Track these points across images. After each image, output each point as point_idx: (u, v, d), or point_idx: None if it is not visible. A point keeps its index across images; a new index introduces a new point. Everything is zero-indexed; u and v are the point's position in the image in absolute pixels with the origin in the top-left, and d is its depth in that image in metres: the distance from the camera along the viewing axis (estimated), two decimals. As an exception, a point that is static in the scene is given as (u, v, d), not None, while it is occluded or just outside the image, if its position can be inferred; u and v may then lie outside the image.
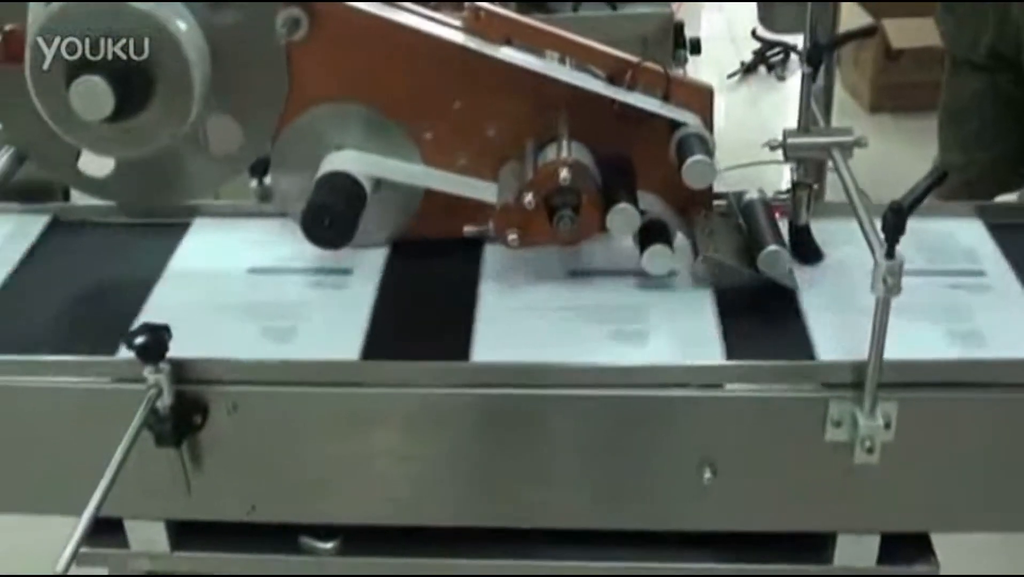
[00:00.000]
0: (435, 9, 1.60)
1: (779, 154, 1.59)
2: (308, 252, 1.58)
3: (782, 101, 5.22)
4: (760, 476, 1.45)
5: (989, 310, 1.52)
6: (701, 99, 1.56)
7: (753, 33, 5.39)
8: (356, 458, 1.47)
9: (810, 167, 1.61)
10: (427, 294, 1.60)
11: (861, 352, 1.35)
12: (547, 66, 1.53)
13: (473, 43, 1.52)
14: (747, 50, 5.47)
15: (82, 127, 1.44)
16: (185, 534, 1.58)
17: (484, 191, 1.57)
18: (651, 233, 1.53)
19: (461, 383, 1.43)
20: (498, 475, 1.48)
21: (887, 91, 5.02)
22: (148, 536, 1.58)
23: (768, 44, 5.40)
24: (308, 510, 1.52)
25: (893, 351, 1.34)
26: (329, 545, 1.56)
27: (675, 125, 1.52)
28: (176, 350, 1.38)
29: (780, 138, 1.59)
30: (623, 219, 1.48)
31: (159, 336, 1.37)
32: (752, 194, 1.64)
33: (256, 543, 1.57)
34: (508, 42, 1.54)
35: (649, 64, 1.54)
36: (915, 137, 4.74)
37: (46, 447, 1.50)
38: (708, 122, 1.55)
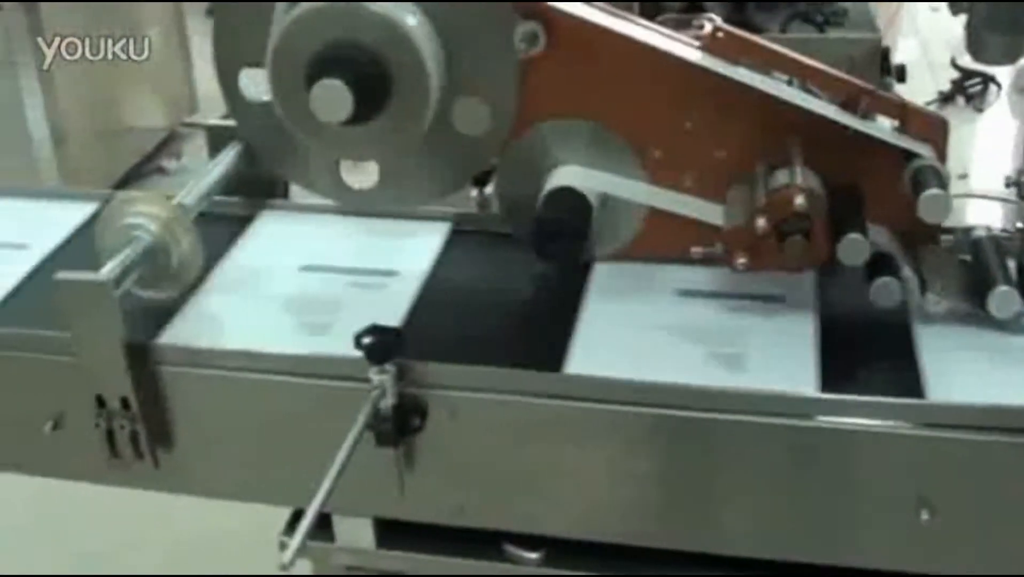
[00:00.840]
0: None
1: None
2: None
3: (979, 133, 5.10)
4: (982, 520, 1.42)
5: None
6: (936, 130, 1.53)
7: (953, 62, 5.27)
8: (569, 470, 1.47)
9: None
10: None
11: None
12: (783, 89, 1.52)
13: (710, 63, 1.51)
14: (944, 79, 5.35)
15: (320, 129, 1.48)
16: (390, 532, 1.60)
17: (710, 212, 1.56)
18: (879, 265, 1.50)
19: (674, 404, 1.41)
20: (708, 499, 1.47)
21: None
22: (354, 532, 1.61)
23: (967, 74, 5.27)
24: (516, 518, 1.53)
25: None
26: (534, 555, 1.56)
27: (909, 156, 1.50)
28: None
29: (979, 175, 1.55)
30: (853, 249, 1.45)
31: (387, 338, 1.39)
32: (980, 231, 1.60)
33: (460, 547, 1.59)
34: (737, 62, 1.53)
35: (886, 92, 1.52)
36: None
37: (264, 439, 1.54)
38: (942, 154, 1.52)
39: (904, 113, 1.52)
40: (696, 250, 1.57)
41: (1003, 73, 5.23)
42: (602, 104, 1.55)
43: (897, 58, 6.03)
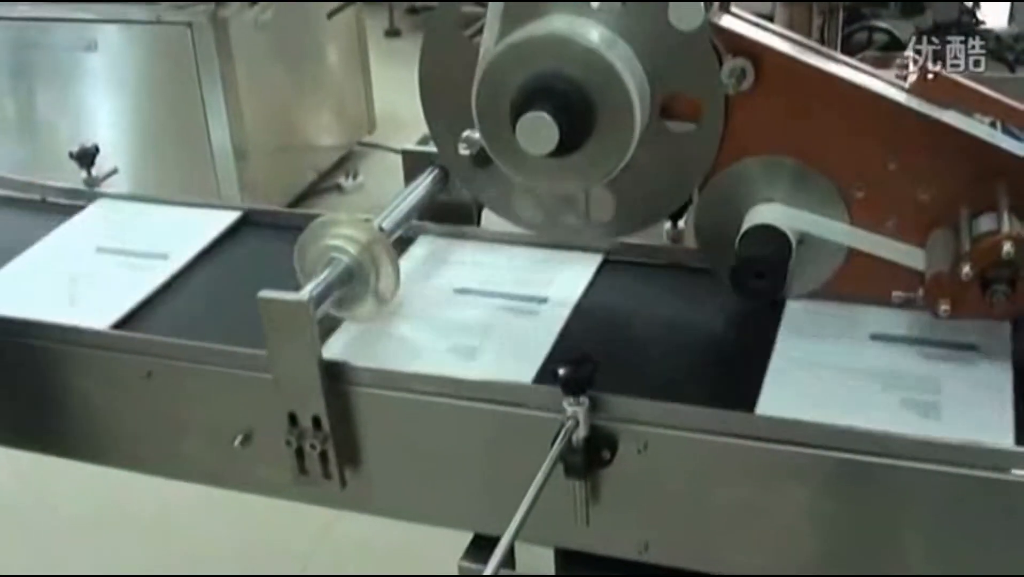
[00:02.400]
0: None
1: None
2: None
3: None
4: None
5: None
6: None
7: None
8: (755, 512, 1.45)
9: None
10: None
11: None
12: (989, 132, 1.49)
13: (918, 104, 1.49)
14: None
15: (525, 160, 1.49)
16: (571, 564, 1.60)
17: (911, 256, 1.54)
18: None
19: (865, 449, 1.38)
20: (893, 548, 1.44)
21: None
22: (535, 560, 1.61)
23: None
24: (701, 557, 1.51)
25: None
26: (715, 597, 1.55)
27: (1118, 205, 1.46)
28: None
29: None
30: (1059, 299, 1.42)
31: (584, 370, 1.39)
32: None
33: (639, 582, 1.58)
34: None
35: (1100, 140, 1.48)
36: None
37: (450, 462, 1.56)
38: None
39: (1116, 161, 1.48)
40: (898, 294, 1.54)
41: None
42: (806, 142, 1.54)
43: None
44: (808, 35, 1.79)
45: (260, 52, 4.47)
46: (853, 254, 1.59)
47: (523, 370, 1.53)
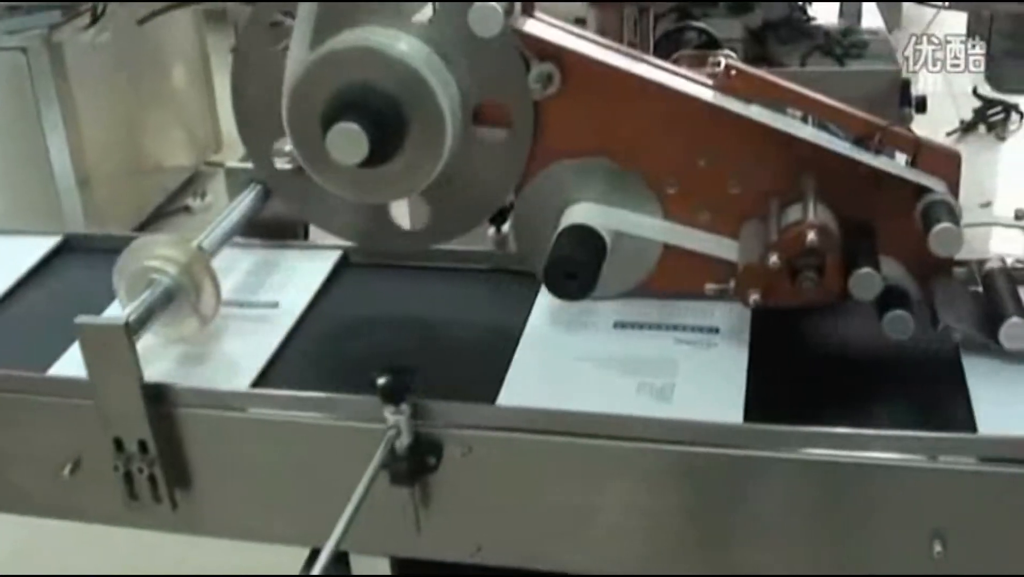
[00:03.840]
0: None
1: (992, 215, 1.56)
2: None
3: (1001, 161, 5.10)
4: (991, 552, 1.41)
5: None
6: (949, 165, 1.53)
7: (974, 91, 5.27)
8: (586, 508, 1.47)
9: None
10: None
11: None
12: (795, 126, 1.53)
13: (724, 101, 1.52)
14: (966, 108, 5.35)
15: (337, 171, 1.49)
16: (409, 572, 1.61)
17: (725, 248, 1.57)
18: (891, 299, 1.51)
19: (695, 440, 1.42)
20: (725, 533, 1.47)
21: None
22: (372, 571, 1.61)
23: (989, 103, 5.27)
24: (534, 556, 1.53)
25: None
26: (554, 594, 1.56)
27: (921, 191, 1.50)
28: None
29: (1005, 203, 1.56)
30: (865, 283, 1.46)
31: (403, 378, 1.40)
32: (994, 262, 1.60)
33: (477, 586, 1.59)
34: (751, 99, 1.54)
35: (899, 128, 1.52)
36: None
37: (281, 480, 1.55)
38: (955, 188, 1.52)
39: (917, 148, 1.52)
40: (710, 287, 1.57)
41: (1024, 102, 5.23)
42: (616, 142, 1.56)
43: (920, 88, 6.05)
44: (620, 37, 1.81)
45: (99, 74, 4.39)
46: (670, 250, 1.61)
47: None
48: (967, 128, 5.33)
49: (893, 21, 6.03)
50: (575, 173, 1.58)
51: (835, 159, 1.52)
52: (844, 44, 3.29)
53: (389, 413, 1.40)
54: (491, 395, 1.49)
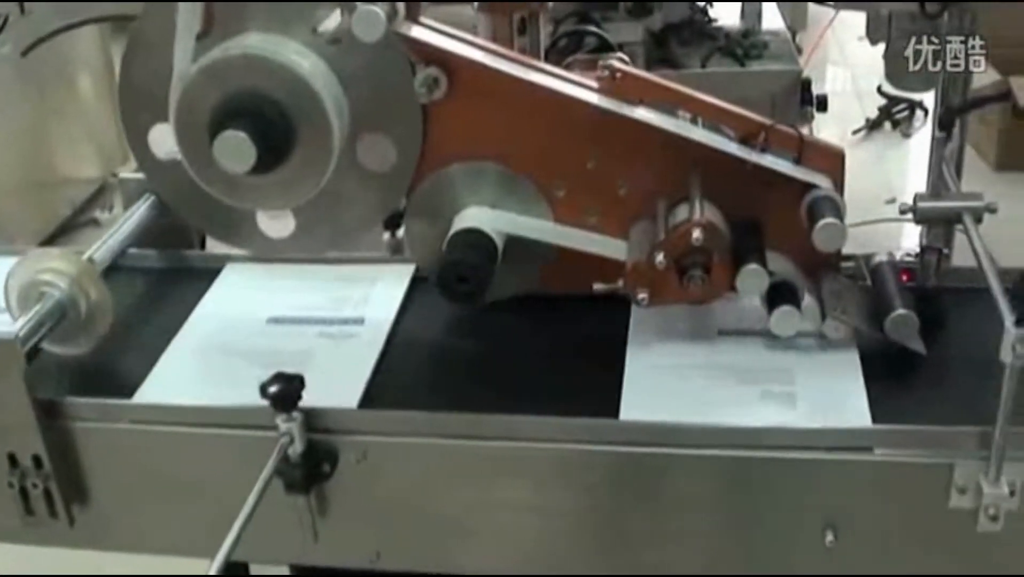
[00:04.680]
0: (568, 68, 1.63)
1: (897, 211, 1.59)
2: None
3: (907, 158, 5.17)
4: (884, 540, 1.44)
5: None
6: (833, 162, 1.56)
7: (879, 89, 5.34)
8: (482, 509, 1.48)
9: (939, 231, 1.60)
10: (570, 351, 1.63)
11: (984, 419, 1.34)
12: (681, 126, 1.55)
13: (608, 103, 1.53)
14: (872, 106, 5.43)
15: (225, 179, 1.48)
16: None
17: (614, 249, 1.58)
18: (779, 294, 1.53)
19: (592, 440, 1.44)
20: (624, 531, 1.49)
21: (1014, 149, 4.94)
22: (273, 579, 1.61)
23: (893, 100, 5.34)
24: (433, 560, 1.53)
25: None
26: (453, 599, 1.57)
27: (806, 187, 1.52)
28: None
29: (910, 200, 1.58)
30: (752, 280, 1.48)
31: (293, 386, 1.40)
32: (881, 256, 1.63)
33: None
34: (641, 102, 1.56)
35: (782, 126, 1.54)
36: (1041, 197, 4.67)
37: (180, 491, 1.54)
38: (839, 185, 1.55)
39: (801, 146, 1.54)
40: (598, 286, 1.58)
41: (930, 98, 5.29)
42: (505, 146, 1.57)
43: (827, 87, 6.13)
44: (511, 41, 1.82)
45: (1, 86, 4.34)
46: (563, 252, 1.62)
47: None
48: (873, 126, 5.41)
49: (799, 21, 6.12)
50: (466, 177, 1.59)
51: (722, 158, 1.54)
52: (744, 45, 3.32)
53: (281, 421, 1.40)
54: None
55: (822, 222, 1.46)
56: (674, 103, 1.56)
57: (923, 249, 1.60)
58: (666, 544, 1.48)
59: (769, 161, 1.53)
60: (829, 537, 1.42)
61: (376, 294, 1.77)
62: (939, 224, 1.60)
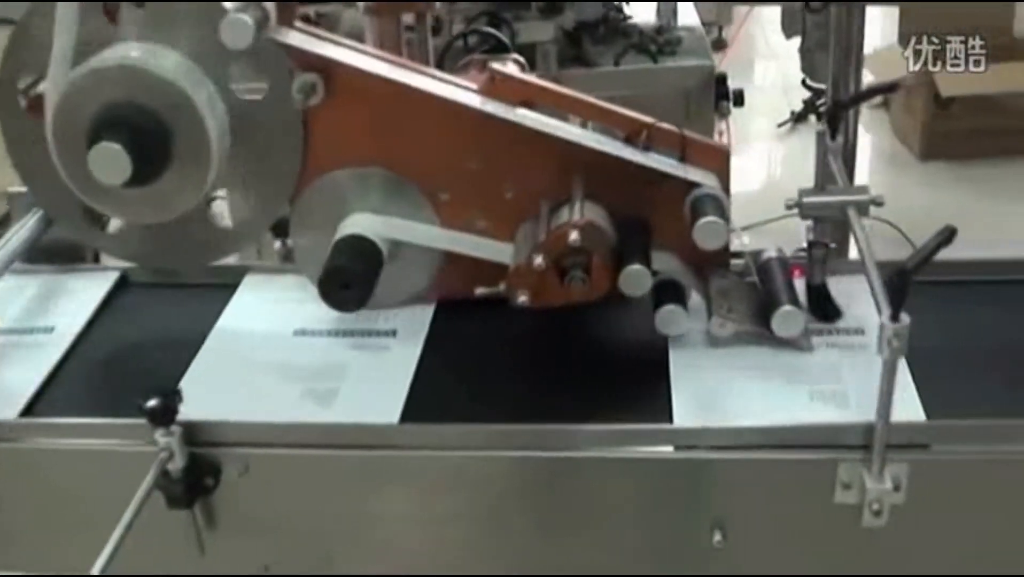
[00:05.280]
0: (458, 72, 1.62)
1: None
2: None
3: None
4: (771, 538, 1.44)
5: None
6: (717, 159, 1.56)
7: (803, 82, 5.37)
8: (367, 519, 1.47)
9: (827, 226, 1.60)
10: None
11: (870, 413, 1.34)
12: (561, 128, 1.54)
13: (488, 106, 1.52)
14: (799, 99, 5.45)
15: (101, 191, 1.46)
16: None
17: (500, 252, 1.57)
18: (665, 293, 1.53)
19: (478, 446, 1.43)
20: (511, 536, 1.48)
21: (938, 139, 4.98)
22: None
23: (817, 93, 5.36)
24: (322, 569, 1.52)
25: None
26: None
27: (690, 185, 1.52)
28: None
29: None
30: (635, 280, 1.47)
31: (169, 400, 1.38)
32: (770, 252, 1.62)
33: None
34: (528, 104, 1.55)
35: (664, 125, 1.54)
36: (966, 185, 4.71)
37: (64, 508, 1.52)
38: (725, 182, 1.54)
39: (684, 144, 1.54)
40: (480, 290, 1.58)
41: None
42: (388, 151, 1.56)
43: (755, 81, 6.15)
44: (398, 44, 1.80)
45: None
46: (451, 256, 1.61)
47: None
48: (798, 118, 5.43)
49: (725, 16, 6.15)
50: (351, 183, 1.57)
51: (605, 158, 1.53)
52: (659, 42, 3.31)
53: (159, 436, 1.39)
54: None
55: (702, 220, 1.46)
56: (553, 105, 1.55)
57: (810, 244, 1.60)
58: (547, 546, 1.48)
59: (652, 160, 1.53)
60: (717, 537, 1.42)
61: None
62: (827, 220, 1.60)
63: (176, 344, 1.65)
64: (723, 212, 1.48)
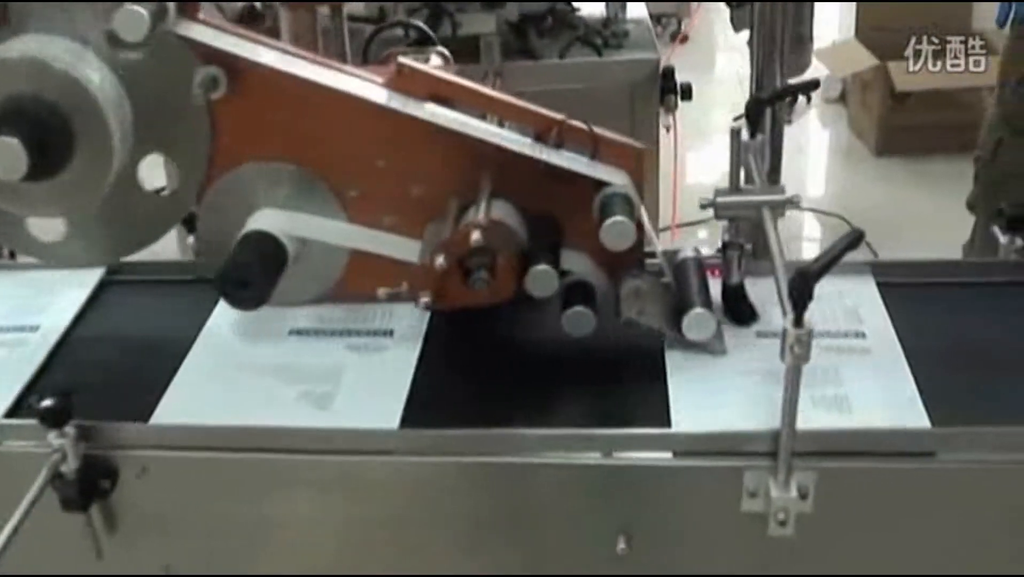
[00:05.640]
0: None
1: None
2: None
3: (786, 143, 5.18)
4: (677, 546, 1.42)
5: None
6: (630, 158, 1.53)
7: (758, 76, 5.35)
8: (264, 520, 1.45)
9: (742, 226, 1.57)
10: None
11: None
12: (467, 123, 1.51)
13: (394, 102, 1.50)
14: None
15: (4, 188, 1.43)
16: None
17: (407, 250, 1.55)
18: (573, 294, 1.50)
19: (377, 449, 1.41)
20: (411, 537, 1.47)
21: (893, 134, 4.98)
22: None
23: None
24: (223, 569, 1.49)
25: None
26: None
27: (599, 185, 1.50)
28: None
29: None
30: (540, 281, 1.45)
31: (63, 401, 1.35)
32: (687, 252, 1.60)
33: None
34: (440, 99, 1.52)
35: (574, 122, 1.51)
36: (920, 180, 4.71)
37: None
38: (638, 181, 1.52)
39: (595, 142, 1.51)
40: (382, 291, 1.55)
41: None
42: (295, 146, 1.53)
43: (715, 73, 6.14)
44: (314, 38, 1.78)
45: None
46: (359, 254, 1.59)
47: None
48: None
49: (684, 8, 6.15)
50: (258, 178, 1.55)
51: (515, 156, 1.50)
52: (605, 35, 3.28)
53: (52, 437, 1.36)
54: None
55: (609, 220, 1.44)
56: (463, 101, 1.53)
57: (725, 245, 1.58)
58: (455, 551, 1.46)
59: (560, 158, 1.50)
60: (621, 544, 1.40)
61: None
62: (742, 220, 1.58)
63: (167, 343, 1.62)
64: (632, 212, 1.46)
